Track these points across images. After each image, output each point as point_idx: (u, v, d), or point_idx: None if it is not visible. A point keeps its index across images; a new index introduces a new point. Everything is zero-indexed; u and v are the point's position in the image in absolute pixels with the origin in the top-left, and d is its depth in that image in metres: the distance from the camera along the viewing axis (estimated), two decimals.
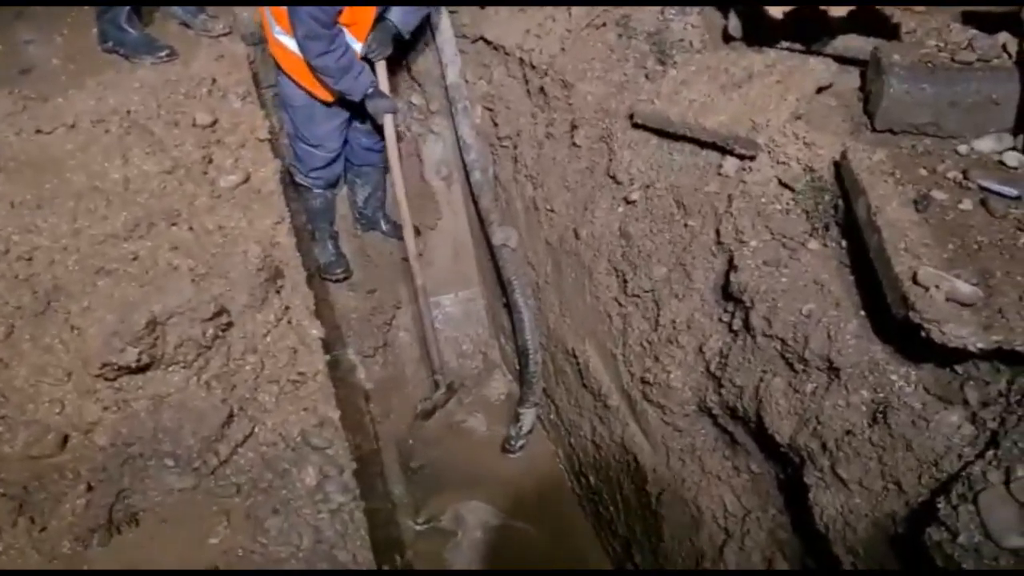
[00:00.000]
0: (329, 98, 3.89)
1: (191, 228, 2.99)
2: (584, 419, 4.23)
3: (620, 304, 3.65)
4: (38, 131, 3.27)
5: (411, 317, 5.03)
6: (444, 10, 4.35)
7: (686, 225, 3.22)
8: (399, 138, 4.37)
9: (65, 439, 2.45)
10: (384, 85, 3.90)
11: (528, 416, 4.67)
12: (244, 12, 4.21)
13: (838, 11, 2.86)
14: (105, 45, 3.89)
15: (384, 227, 4.86)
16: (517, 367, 4.79)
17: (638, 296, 3.49)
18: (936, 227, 2.37)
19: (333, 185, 4.50)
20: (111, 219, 2.93)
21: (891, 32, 3.04)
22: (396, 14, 3.78)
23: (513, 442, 4.76)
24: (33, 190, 3.03)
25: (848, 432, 2.38)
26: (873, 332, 2.42)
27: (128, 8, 3.83)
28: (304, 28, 3.42)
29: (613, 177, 3.58)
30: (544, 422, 4.90)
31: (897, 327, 2.24)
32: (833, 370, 2.44)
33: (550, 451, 4.91)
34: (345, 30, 3.63)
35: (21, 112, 3.37)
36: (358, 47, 3.72)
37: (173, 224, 2.98)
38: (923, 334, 2.09)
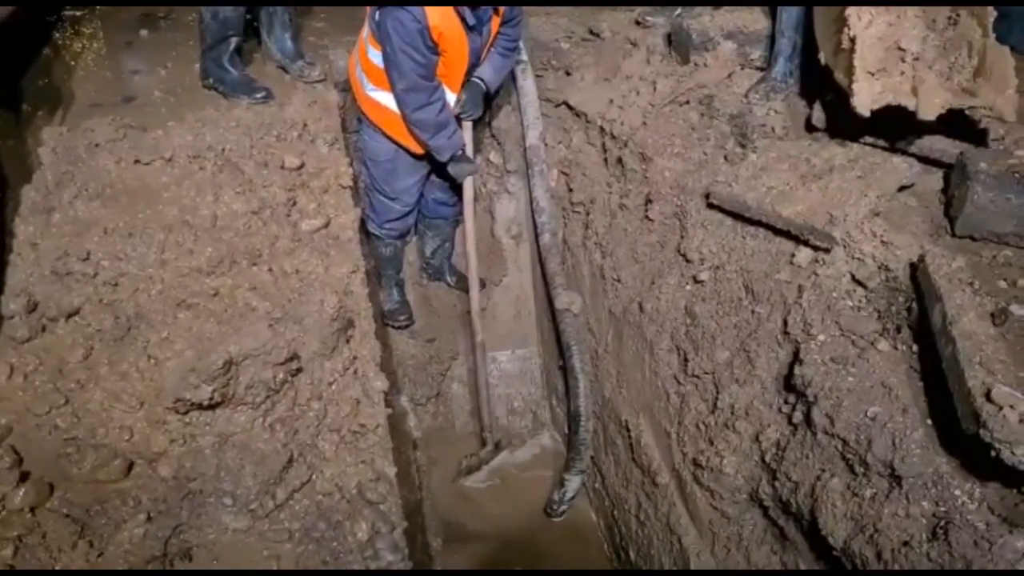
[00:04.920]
0: (418, 151, 3.93)
1: (270, 270, 3.06)
2: (630, 493, 4.18)
3: (679, 382, 3.63)
4: (137, 161, 3.39)
5: (467, 370, 5.06)
6: (530, 72, 4.44)
7: (753, 311, 3.21)
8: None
9: (130, 466, 2.49)
10: (469, 148, 3.97)
11: (573, 483, 4.63)
12: (340, 60, 4.36)
13: (927, 115, 2.85)
14: (206, 82, 4.07)
15: (449, 279, 4.93)
16: (567, 431, 4.77)
17: (698, 377, 3.47)
18: (1013, 343, 2.33)
19: (404, 236, 4.58)
20: (196, 254, 3.01)
21: (978, 138, 3.03)
22: (487, 72, 3.85)
23: (556, 506, 4.71)
24: (126, 218, 3.14)
25: (905, 544, 2.32)
26: (939, 443, 2.37)
27: (232, 48, 3.99)
28: (406, 81, 3.47)
29: (683, 255, 3.59)
30: (588, 490, 4.85)
31: (965, 441, 2.20)
32: (895, 477, 2.39)
33: (591, 520, 4.86)
34: (442, 84, 3.69)
35: (122, 139, 3.50)
36: (451, 98, 3.77)
37: (254, 264, 3.06)
38: (992, 453, 2.06)
